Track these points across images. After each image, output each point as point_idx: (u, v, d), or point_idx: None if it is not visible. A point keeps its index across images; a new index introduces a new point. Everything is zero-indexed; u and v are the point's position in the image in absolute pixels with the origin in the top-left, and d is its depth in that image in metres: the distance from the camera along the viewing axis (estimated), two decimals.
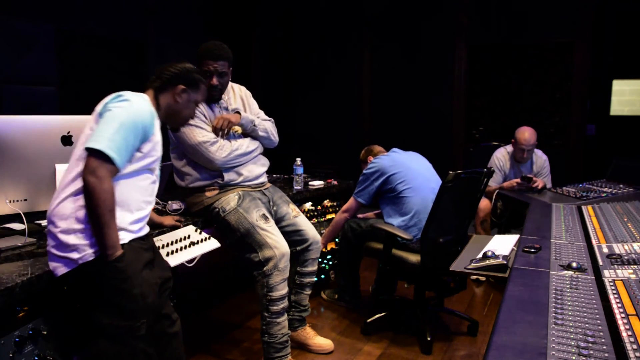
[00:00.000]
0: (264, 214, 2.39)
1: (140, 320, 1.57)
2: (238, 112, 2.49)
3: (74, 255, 1.51)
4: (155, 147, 1.70)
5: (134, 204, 1.66)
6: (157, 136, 1.72)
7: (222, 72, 2.38)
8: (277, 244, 2.31)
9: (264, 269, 2.30)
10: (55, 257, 1.54)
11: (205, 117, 2.40)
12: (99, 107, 1.63)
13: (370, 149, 3.32)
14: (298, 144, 5.97)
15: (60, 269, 1.53)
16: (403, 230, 2.77)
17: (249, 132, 2.51)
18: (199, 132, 2.35)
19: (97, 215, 1.49)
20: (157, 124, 1.72)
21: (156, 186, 1.79)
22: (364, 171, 3.01)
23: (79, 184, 1.55)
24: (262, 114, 2.66)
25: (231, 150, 2.39)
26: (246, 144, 2.47)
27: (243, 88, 2.68)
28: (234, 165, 2.44)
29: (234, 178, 2.44)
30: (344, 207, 3.11)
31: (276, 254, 2.29)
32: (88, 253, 1.52)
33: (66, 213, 1.53)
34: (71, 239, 1.52)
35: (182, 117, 1.89)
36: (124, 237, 1.60)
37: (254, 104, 2.66)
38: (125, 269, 1.55)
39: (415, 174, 2.92)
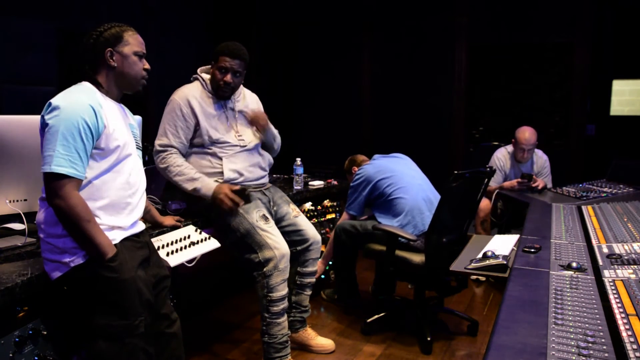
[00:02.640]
0: (264, 215, 2.38)
1: (137, 319, 1.57)
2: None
3: (66, 259, 1.51)
4: (112, 135, 1.59)
5: (119, 202, 1.62)
6: (113, 124, 1.60)
7: (237, 71, 2.42)
8: (277, 244, 2.31)
9: (264, 269, 2.30)
10: (48, 262, 1.54)
11: (191, 118, 2.40)
12: (39, 123, 1.53)
13: (353, 158, 3.36)
14: (298, 144, 5.97)
15: (55, 273, 1.53)
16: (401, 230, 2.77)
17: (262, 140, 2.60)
18: (166, 135, 2.39)
19: (80, 230, 1.48)
20: (106, 112, 1.58)
21: (137, 170, 1.72)
22: (351, 184, 3.08)
23: None
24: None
25: (169, 168, 2.36)
26: (189, 172, 2.35)
27: (255, 97, 2.70)
28: (234, 166, 2.44)
29: (234, 177, 2.43)
30: (339, 223, 3.14)
31: (276, 254, 2.29)
32: (79, 255, 1.52)
33: (54, 219, 1.52)
34: (61, 243, 1.52)
35: (133, 77, 1.69)
36: (116, 237, 1.59)
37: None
38: (119, 267, 1.54)
39: (400, 174, 2.96)
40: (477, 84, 5.44)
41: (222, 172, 2.41)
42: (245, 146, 2.50)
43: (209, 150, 2.43)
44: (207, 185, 2.33)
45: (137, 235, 1.70)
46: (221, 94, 2.45)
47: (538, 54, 5.19)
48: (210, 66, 2.49)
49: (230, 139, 2.46)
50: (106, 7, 4.39)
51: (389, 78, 5.68)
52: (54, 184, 1.45)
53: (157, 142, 2.41)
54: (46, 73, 3.88)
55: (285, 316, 2.38)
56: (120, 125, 1.66)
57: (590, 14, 4.82)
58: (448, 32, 5.32)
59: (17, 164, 1.85)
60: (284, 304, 2.35)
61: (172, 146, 2.39)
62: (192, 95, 2.43)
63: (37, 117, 1.95)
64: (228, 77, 2.40)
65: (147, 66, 1.74)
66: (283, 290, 2.33)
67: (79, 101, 1.53)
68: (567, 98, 5.06)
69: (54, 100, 1.52)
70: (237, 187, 2.34)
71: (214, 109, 2.46)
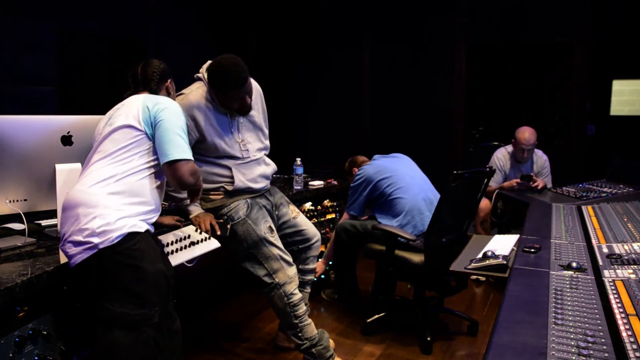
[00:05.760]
0: (270, 226, 2.39)
1: (154, 308, 1.61)
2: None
3: (95, 240, 1.55)
4: None
5: (155, 201, 1.76)
6: None
7: (248, 90, 2.30)
8: (284, 255, 2.35)
9: (276, 280, 2.31)
10: (74, 243, 1.56)
11: (194, 131, 2.28)
12: (142, 114, 1.75)
13: (353, 160, 3.36)
14: (298, 144, 5.97)
15: (79, 256, 1.55)
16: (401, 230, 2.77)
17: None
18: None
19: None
20: None
21: None
22: (352, 184, 3.08)
23: (109, 172, 1.65)
24: (266, 130, 2.57)
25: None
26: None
27: (259, 89, 2.55)
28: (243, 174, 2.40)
29: (245, 187, 2.38)
30: (339, 222, 3.14)
31: (283, 265, 2.33)
32: (109, 238, 1.56)
33: (92, 200, 1.59)
34: (95, 224, 1.56)
35: None
36: (142, 226, 1.66)
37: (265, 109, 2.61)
38: (141, 256, 1.60)
39: (400, 174, 2.97)
40: (477, 84, 5.45)
41: (232, 181, 2.35)
42: (249, 157, 2.42)
43: (218, 162, 2.36)
44: (198, 208, 2.32)
45: (153, 234, 1.78)
46: (242, 112, 2.37)
47: (538, 54, 5.19)
48: None
49: (236, 151, 2.37)
50: (106, 7, 4.39)
51: (389, 78, 5.68)
52: (185, 165, 1.74)
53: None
54: (46, 73, 3.88)
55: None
56: None
57: (590, 14, 4.82)
58: (448, 32, 5.33)
59: (17, 164, 1.85)
60: (305, 306, 2.37)
61: None
62: (197, 105, 2.27)
63: (37, 117, 1.97)
64: (247, 100, 2.31)
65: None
66: (299, 294, 2.36)
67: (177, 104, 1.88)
68: (567, 98, 5.06)
69: (162, 101, 1.81)
70: (221, 221, 2.30)
71: (219, 117, 2.32)
